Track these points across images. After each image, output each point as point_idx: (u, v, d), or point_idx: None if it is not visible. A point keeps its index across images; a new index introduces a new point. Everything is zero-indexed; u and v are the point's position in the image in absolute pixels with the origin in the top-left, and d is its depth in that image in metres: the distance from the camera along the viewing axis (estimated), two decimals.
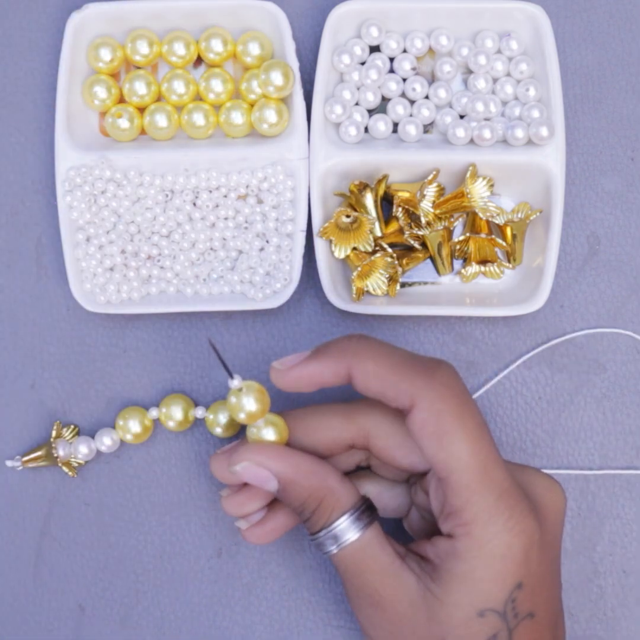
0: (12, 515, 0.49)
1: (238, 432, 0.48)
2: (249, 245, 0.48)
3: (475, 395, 0.49)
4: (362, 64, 0.49)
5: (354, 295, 0.47)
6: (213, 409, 0.47)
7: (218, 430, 0.47)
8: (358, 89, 0.48)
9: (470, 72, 0.49)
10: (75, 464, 0.48)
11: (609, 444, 0.49)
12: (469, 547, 0.37)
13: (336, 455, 0.43)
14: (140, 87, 0.48)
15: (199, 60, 0.49)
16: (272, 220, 0.48)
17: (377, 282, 0.48)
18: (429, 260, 0.49)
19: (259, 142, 0.48)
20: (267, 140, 0.48)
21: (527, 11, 0.47)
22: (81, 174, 0.47)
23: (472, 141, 0.48)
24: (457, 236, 0.49)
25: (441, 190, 0.49)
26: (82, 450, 0.48)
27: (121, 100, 0.48)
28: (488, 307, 0.48)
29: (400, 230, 0.48)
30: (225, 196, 0.48)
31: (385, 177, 0.48)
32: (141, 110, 0.48)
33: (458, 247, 0.49)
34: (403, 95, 0.49)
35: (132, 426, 0.48)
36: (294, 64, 0.47)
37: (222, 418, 0.47)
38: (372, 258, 0.47)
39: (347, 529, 0.39)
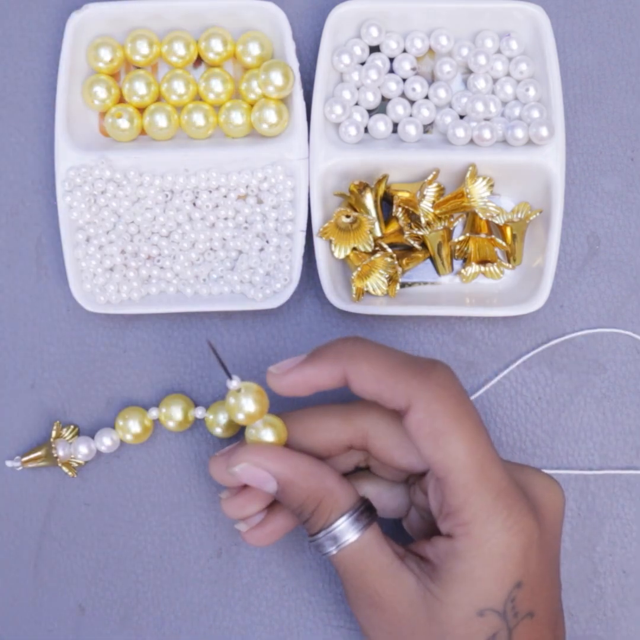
0: (12, 515, 0.49)
1: (238, 432, 0.48)
2: (249, 245, 0.48)
3: (475, 396, 0.49)
4: (362, 64, 0.49)
5: (354, 296, 0.47)
6: (213, 409, 0.47)
7: (218, 431, 0.47)
8: (358, 89, 0.48)
9: (470, 72, 0.49)
10: (75, 464, 0.48)
11: (609, 444, 0.49)
12: (468, 547, 0.37)
13: (335, 456, 0.43)
14: (140, 87, 0.47)
15: (199, 60, 0.49)
16: (272, 221, 0.48)
17: (377, 282, 0.48)
18: (429, 260, 0.49)
19: (259, 142, 0.48)
20: (267, 140, 0.48)
21: (527, 11, 0.47)
22: (81, 174, 0.47)
23: (472, 141, 0.48)
24: (457, 236, 0.49)
25: (441, 190, 0.49)
26: (82, 450, 0.48)
27: (121, 100, 0.48)
28: (488, 307, 0.48)
29: (400, 230, 0.48)
30: (225, 196, 0.48)
31: (385, 177, 0.48)
32: (141, 110, 0.48)
33: (458, 247, 0.49)
34: (403, 95, 0.49)
35: (132, 426, 0.48)
36: (294, 64, 0.47)
37: (222, 418, 0.47)
38: (372, 258, 0.47)
39: (346, 530, 0.39)
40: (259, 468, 0.39)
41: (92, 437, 0.48)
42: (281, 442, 0.41)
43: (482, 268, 0.49)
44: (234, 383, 0.39)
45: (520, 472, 0.40)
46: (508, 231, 0.48)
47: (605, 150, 0.50)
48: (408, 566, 0.39)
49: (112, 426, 0.48)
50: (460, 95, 0.48)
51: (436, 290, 0.49)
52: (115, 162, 0.47)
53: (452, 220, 0.48)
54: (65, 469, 0.48)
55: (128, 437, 0.48)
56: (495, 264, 0.48)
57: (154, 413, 0.48)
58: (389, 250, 0.47)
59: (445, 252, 0.48)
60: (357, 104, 0.49)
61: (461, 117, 0.49)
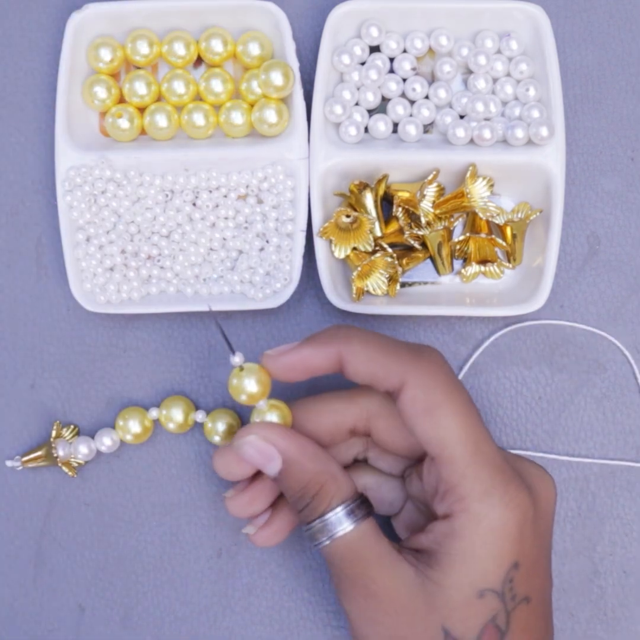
0: (12, 515, 0.49)
1: None
2: (249, 245, 0.48)
3: (475, 396, 0.49)
4: (362, 64, 0.49)
5: (354, 295, 0.47)
6: (212, 416, 0.47)
7: (216, 439, 0.47)
8: (358, 89, 0.49)
9: (470, 72, 0.49)
10: (75, 464, 0.48)
11: (609, 444, 0.49)
12: (467, 524, 0.38)
13: (338, 443, 0.43)
14: (140, 87, 0.48)
15: (199, 60, 0.49)
16: (272, 220, 0.48)
17: (377, 282, 0.48)
18: (429, 260, 0.49)
19: (259, 142, 0.48)
20: (267, 140, 0.48)
21: (527, 11, 0.47)
22: (81, 174, 0.47)
23: (472, 141, 0.48)
24: (457, 236, 0.49)
25: (441, 190, 0.49)
26: (82, 450, 0.48)
27: (121, 100, 0.48)
28: (488, 307, 0.48)
29: (400, 230, 0.48)
30: (225, 196, 0.48)
31: (385, 177, 0.48)
32: (141, 110, 0.48)
33: (458, 247, 0.49)
34: (403, 95, 0.49)
35: (132, 426, 0.48)
36: (294, 64, 0.47)
37: (220, 426, 0.47)
38: (372, 258, 0.47)
39: (345, 519, 0.39)
40: (267, 442, 0.39)
41: (92, 437, 0.48)
42: (287, 425, 0.41)
43: (482, 268, 0.49)
44: (236, 359, 0.40)
45: (514, 460, 0.41)
46: (508, 231, 0.48)
47: (605, 150, 0.50)
48: (405, 557, 0.39)
49: (112, 426, 0.48)
50: (461, 95, 0.48)
51: (436, 290, 0.49)
52: (116, 162, 0.47)
53: (452, 220, 0.48)
54: (65, 469, 0.48)
55: (128, 438, 0.48)
56: (495, 263, 0.48)
57: (154, 413, 0.48)
58: (389, 250, 0.47)
59: (445, 252, 0.48)
60: (357, 104, 0.49)
61: (461, 117, 0.49)
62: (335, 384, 0.44)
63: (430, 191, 0.48)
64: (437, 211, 0.48)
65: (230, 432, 0.47)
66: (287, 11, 0.48)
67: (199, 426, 0.49)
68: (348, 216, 0.47)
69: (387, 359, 0.39)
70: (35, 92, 0.50)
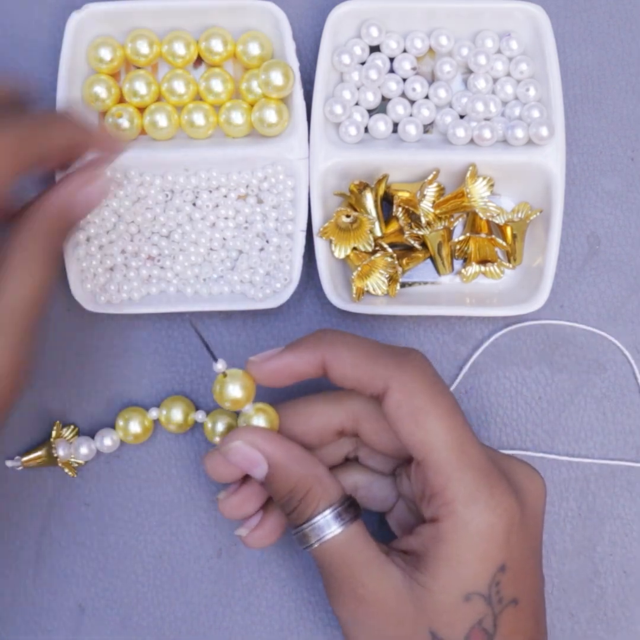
0: (12, 515, 0.49)
1: None
2: (249, 245, 0.48)
3: (475, 396, 0.49)
4: (362, 64, 0.49)
5: (354, 295, 0.47)
6: (212, 416, 0.47)
7: (216, 440, 0.47)
8: (358, 89, 0.49)
9: (470, 72, 0.49)
10: (75, 464, 0.48)
11: (609, 444, 0.49)
12: (453, 528, 0.38)
13: (326, 444, 0.43)
14: (141, 87, 0.48)
15: (199, 60, 0.49)
16: (272, 220, 0.48)
17: (377, 282, 0.48)
18: (429, 260, 0.49)
19: (259, 142, 0.48)
20: (267, 140, 0.48)
21: (527, 11, 0.47)
22: None
23: (472, 141, 0.48)
24: (457, 236, 0.49)
25: (441, 190, 0.49)
26: (82, 450, 0.48)
27: (121, 100, 0.48)
28: (488, 307, 0.48)
29: (400, 230, 0.48)
30: (225, 196, 0.48)
31: (385, 177, 0.48)
32: (141, 110, 0.48)
33: (458, 247, 0.49)
34: (403, 95, 0.49)
35: (132, 427, 0.48)
36: (294, 64, 0.47)
37: (220, 426, 0.47)
38: (372, 258, 0.47)
39: (333, 522, 0.39)
40: (253, 447, 0.39)
41: (92, 437, 0.48)
42: (273, 429, 0.41)
43: (482, 268, 0.49)
44: (219, 366, 0.40)
45: (502, 460, 0.41)
46: (508, 231, 0.48)
47: (605, 150, 0.50)
48: (393, 560, 0.39)
49: (112, 426, 0.48)
50: (461, 95, 0.48)
51: (436, 290, 0.49)
52: (116, 161, 0.47)
53: (452, 220, 0.48)
54: (65, 469, 0.48)
55: (128, 438, 0.48)
56: (495, 263, 0.48)
57: (154, 413, 0.48)
58: (389, 250, 0.47)
59: (445, 252, 0.48)
60: (357, 103, 0.49)
61: (461, 117, 0.49)
62: (324, 385, 0.44)
63: (430, 191, 0.48)
64: (437, 211, 0.48)
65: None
66: (287, 11, 0.48)
67: (199, 426, 0.49)
68: (348, 216, 0.47)
69: (371, 364, 0.39)
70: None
